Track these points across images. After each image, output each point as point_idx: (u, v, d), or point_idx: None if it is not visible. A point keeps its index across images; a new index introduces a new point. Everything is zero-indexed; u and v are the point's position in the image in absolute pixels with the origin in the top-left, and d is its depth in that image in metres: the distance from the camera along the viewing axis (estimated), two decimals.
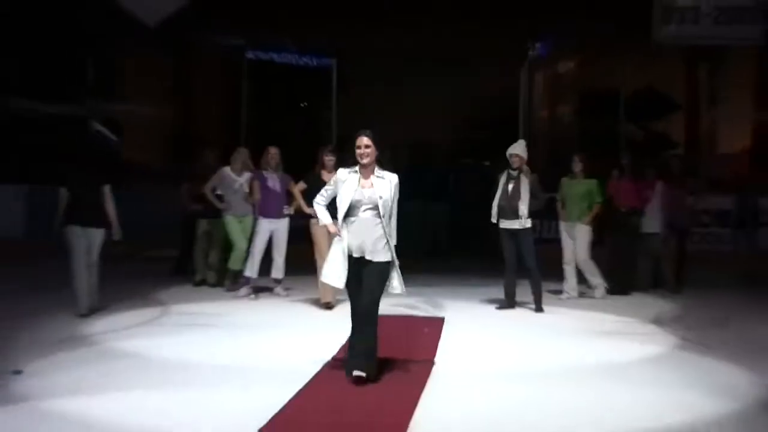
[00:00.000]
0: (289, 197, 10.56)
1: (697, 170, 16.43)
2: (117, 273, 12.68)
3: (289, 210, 10.54)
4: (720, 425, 5.80)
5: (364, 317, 6.48)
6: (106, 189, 9.25)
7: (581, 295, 10.97)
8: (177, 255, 12.47)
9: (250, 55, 18.08)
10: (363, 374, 6.37)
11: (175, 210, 12.33)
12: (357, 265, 6.54)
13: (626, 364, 7.57)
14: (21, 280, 12.07)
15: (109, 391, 6.31)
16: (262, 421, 5.53)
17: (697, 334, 8.94)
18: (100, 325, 8.79)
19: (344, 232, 6.54)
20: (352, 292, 6.61)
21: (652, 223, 11.40)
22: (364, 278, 6.52)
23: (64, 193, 9.13)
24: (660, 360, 7.72)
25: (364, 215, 6.54)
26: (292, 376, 6.64)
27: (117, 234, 9.22)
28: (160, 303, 10.33)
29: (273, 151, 10.61)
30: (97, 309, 9.29)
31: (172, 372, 6.91)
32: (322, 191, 6.82)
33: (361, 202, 6.53)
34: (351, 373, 6.42)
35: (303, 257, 10.64)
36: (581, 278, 11.10)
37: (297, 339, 8.24)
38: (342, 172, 6.68)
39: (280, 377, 6.69)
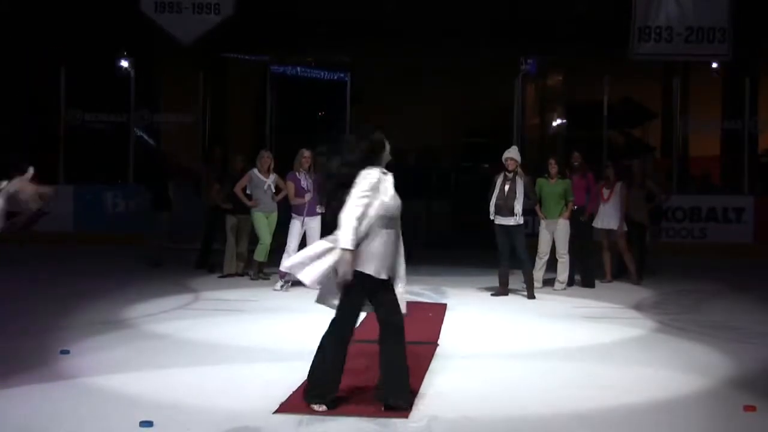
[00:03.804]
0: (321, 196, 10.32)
1: (668, 173, 16.29)
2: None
3: (321, 208, 10.20)
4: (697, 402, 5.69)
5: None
6: (170, 184, 12.44)
7: (543, 285, 10.66)
8: (199, 249, 12.30)
9: (274, 69, 18.00)
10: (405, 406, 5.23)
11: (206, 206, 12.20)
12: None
13: (611, 344, 7.48)
14: (69, 268, 12.05)
15: (146, 369, 6.26)
16: (284, 395, 5.45)
17: (674, 318, 8.83)
18: (138, 309, 8.75)
19: None
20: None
21: (608, 219, 11.18)
22: None
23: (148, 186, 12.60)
24: (641, 341, 7.63)
25: None
26: (311, 356, 6.53)
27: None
28: (191, 290, 10.28)
29: (306, 154, 10.27)
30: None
31: (201, 352, 6.86)
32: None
33: None
34: (387, 403, 5.19)
35: None
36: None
37: (316, 323, 8.12)
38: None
39: (300, 357, 6.59)
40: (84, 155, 17.16)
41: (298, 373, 5.98)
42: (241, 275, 11.19)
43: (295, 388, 5.64)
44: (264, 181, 10.74)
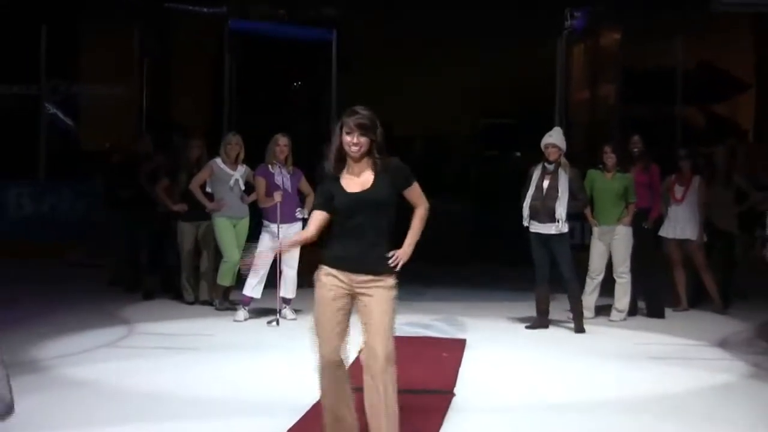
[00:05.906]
0: (302, 196, 10.32)
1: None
2: (74, 284, 12.65)
3: (302, 213, 10.16)
4: None
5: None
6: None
7: (596, 315, 10.69)
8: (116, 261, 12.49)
9: (234, 25, 18.03)
10: None
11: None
12: None
13: (686, 395, 7.48)
14: None
15: (62, 428, 6.22)
16: None
17: None
18: (52, 347, 8.74)
19: None
20: None
21: (683, 226, 11.21)
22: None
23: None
24: (728, 390, 7.63)
25: None
26: (283, 408, 6.55)
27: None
28: (125, 321, 10.28)
29: (283, 142, 10.22)
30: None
31: (137, 404, 6.83)
32: None
33: None
34: None
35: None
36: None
37: (289, 363, 8.14)
38: None
39: (269, 410, 6.60)
40: None
41: None
42: (210, 303, 11.07)
43: None
44: (230, 174, 10.68)
